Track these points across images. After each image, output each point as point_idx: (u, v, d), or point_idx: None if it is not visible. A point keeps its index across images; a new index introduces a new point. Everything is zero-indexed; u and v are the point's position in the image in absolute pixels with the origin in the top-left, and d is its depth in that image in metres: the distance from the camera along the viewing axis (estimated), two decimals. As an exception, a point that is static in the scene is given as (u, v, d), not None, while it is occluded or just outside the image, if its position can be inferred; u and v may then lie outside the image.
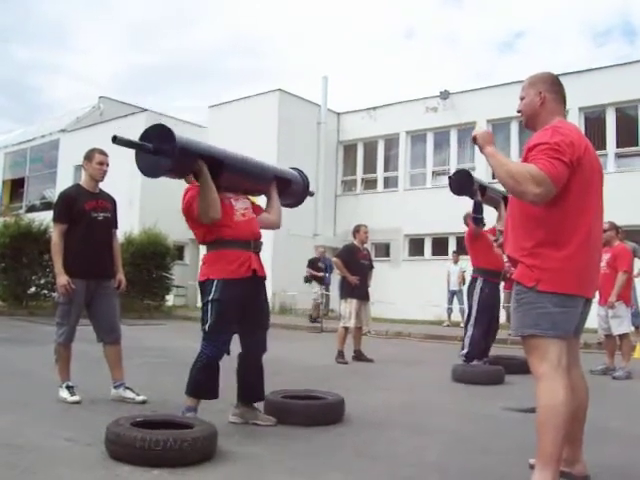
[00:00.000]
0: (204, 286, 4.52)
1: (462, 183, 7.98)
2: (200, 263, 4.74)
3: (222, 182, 4.50)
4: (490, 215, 8.23)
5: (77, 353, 5.60)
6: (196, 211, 4.43)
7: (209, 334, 4.45)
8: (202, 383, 4.46)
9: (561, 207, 3.07)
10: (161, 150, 4.11)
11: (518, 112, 3.47)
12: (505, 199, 8.32)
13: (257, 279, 4.64)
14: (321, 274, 17.15)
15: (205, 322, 4.46)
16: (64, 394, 5.26)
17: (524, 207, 3.15)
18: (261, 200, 5.11)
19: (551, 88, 3.34)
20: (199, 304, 4.72)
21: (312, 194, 5.75)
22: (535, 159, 3.02)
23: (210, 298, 4.43)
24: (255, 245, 4.64)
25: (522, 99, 3.42)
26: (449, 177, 8.30)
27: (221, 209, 4.45)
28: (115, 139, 4.00)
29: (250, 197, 4.96)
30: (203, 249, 4.74)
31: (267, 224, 4.95)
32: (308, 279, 17.27)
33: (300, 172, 5.48)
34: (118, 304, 5.62)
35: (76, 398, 5.22)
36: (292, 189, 5.32)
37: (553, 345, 3.07)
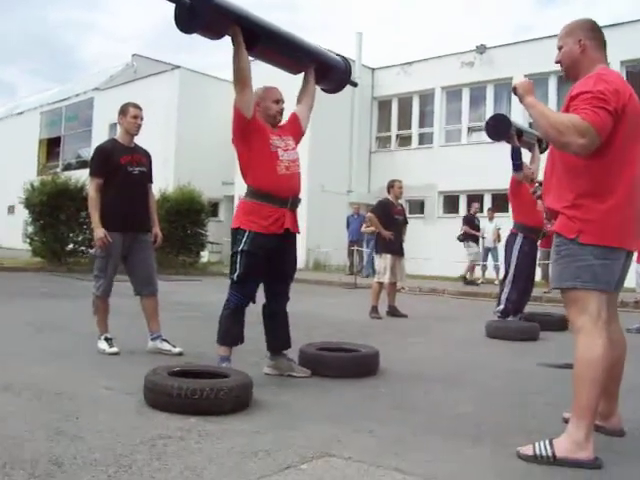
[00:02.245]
0: (236, 234, 4.55)
1: (500, 127, 7.83)
2: (235, 212, 4.76)
3: (258, 52, 4.54)
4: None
5: (114, 308, 5.69)
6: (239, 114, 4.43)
7: (236, 283, 4.53)
8: (229, 330, 4.55)
9: (604, 157, 2.98)
10: (197, 5, 4.09)
11: (557, 63, 3.36)
12: (539, 140, 8.17)
13: (289, 235, 4.64)
14: (478, 233, 16.79)
15: (233, 271, 4.53)
16: (103, 345, 5.37)
17: (566, 157, 3.07)
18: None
19: (590, 35, 3.21)
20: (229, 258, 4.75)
21: (355, 84, 5.66)
22: (578, 109, 2.92)
23: (240, 248, 4.47)
24: (292, 202, 4.62)
25: (560, 49, 3.29)
26: (486, 122, 8.13)
27: (267, 157, 4.47)
28: None
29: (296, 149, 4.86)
30: (238, 201, 4.74)
31: (304, 116, 4.99)
32: (463, 237, 16.65)
33: (344, 59, 5.38)
34: (154, 257, 5.68)
35: (114, 349, 5.32)
36: (333, 73, 5.24)
37: (593, 298, 3.01)
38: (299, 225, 4.78)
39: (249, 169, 4.57)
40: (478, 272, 17.75)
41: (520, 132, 7.93)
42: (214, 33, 4.38)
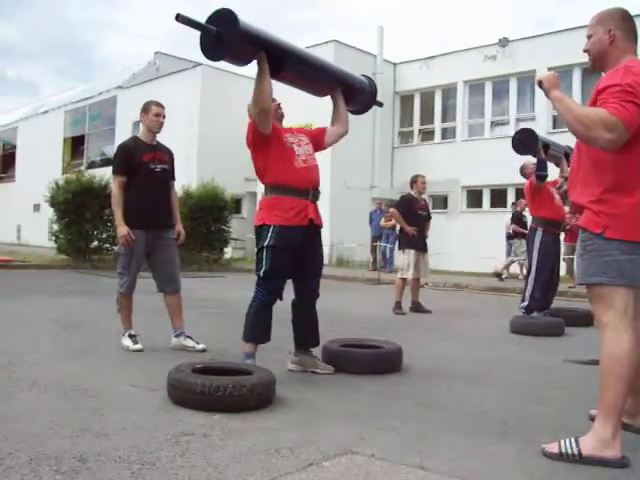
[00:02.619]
0: (260, 231, 4.55)
1: (526, 142, 7.85)
2: (257, 210, 4.76)
3: (284, 77, 4.51)
4: (551, 169, 8.05)
5: (138, 304, 5.72)
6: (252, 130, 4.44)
7: (263, 280, 4.51)
8: (256, 326, 4.54)
9: (632, 151, 2.92)
10: (223, 33, 4.09)
11: (585, 52, 3.29)
12: (566, 155, 8.16)
13: (314, 227, 4.63)
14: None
15: (260, 268, 4.51)
16: (127, 342, 5.40)
17: (592, 152, 3.01)
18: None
19: (621, 25, 3.11)
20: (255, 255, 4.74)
21: (380, 104, 5.66)
22: (606, 102, 2.85)
23: (265, 244, 4.46)
24: (313, 194, 4.62)
25: (589, 38, 3.21)
26: (513, 136, 8.14)
27: (283, 154, 4.47)
28: (178, 17, 3.97)
29: (307, 124, 4.89)
30: (260, 200, 4.75)
31: (335, 135, 4.97)
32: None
33: (369, 79, 5.37)
34: (177, 254, 5.70)
35: (138, 346, 5.35)
36: (359, 95, 5.23)
37: (619, 294, 2.96)
38: (323, 220, 4.77)
39: (266, 170, 4.57)
40: (492, 266, 17.59)
41: (547, 146, 7.94)
42: (241, 60, 4.37)
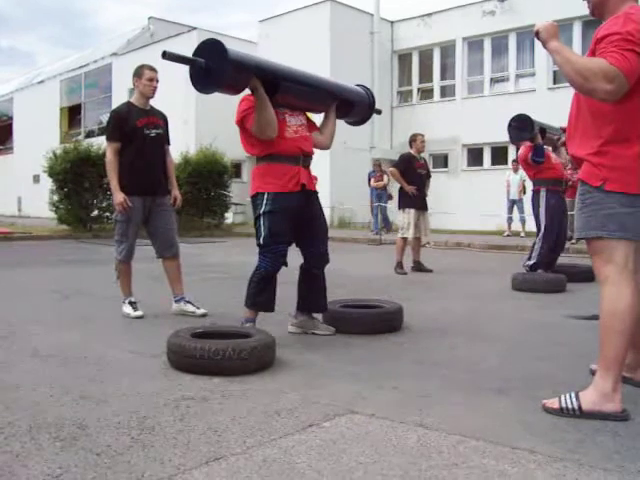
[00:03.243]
0: (255, 200, 4.50)
1: (522, 129, 7.79)
2: (250, 180, 4.71)
3: (278, 100, 4.39)
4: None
5: (137, 271, 5.72)
6: (250, 123, 4.36)
7: (264, 247, 4.45)
8: (259, 295, 4.49)
9: (632, 101, 2.84)
10: (213, 65, 4.01)
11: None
12: (559, 139, 8.13)
13: (308, 193, 4.58)
14: None
15: (259, 236, 4.46)
16: (127, 309, 5.40)
17: (591, 103, 2.93)
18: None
19: None
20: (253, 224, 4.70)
21: (379, 112, 5.59)
22: (605, 52, 2.75)
23: (262, 211, 4.41)
24: (304, 160, 4.55)
25: None
26: (508, 123, 8.04)
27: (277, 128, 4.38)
28: (165, 55, 3.92)
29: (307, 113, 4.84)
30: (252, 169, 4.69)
31: (317, 144, 4.84)
32: None
33: (366, 89, 5.31)
34: (175, 219, 5.66)
35: (139, 313, 5.35)
36: (356, 107, 5.16)
37: (620, 247, 2.91)
38: (323, 182, 4.71)
39: (255, 141, 4.47)
40: (504, 224, 17.59)
41: (543, 130, 7.87)
42: (235, 88, 4.28)
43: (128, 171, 5.31)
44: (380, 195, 17.67)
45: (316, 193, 4.72)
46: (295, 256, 4.67)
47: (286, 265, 4.52)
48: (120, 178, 5.30)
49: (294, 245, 4.67)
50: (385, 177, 17.30)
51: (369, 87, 5.47)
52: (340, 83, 5.19)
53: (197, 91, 4.20)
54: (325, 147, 4.99)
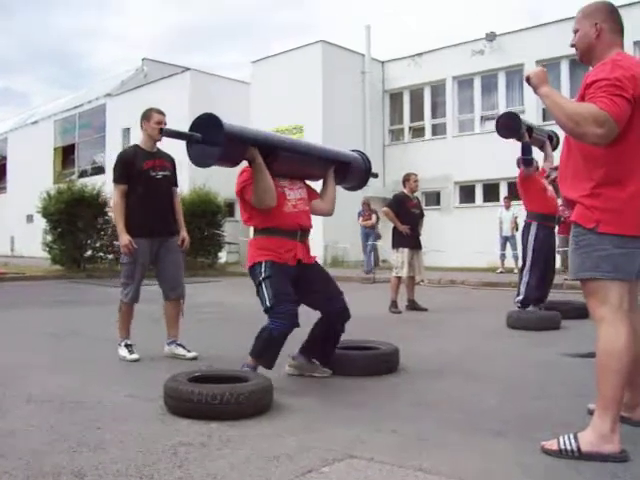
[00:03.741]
0: (253, 270, 4.47)
1: (510, 125, 7.82)
2: (247, 251, 4.68)
3: (275, 169, 4.41)
4: (538, 155, 8.05)
5: (137, 312, 5.67)
6: (249, 195, 4.38)
7: (272, 309, 4.31)
8: (262, 354, 4.38)
9: (622, 144, 2.90)
10: (210, 139, 4.07)
11: (572, 46, 3.27)
12: (550, 138, 8.16)
13: (304, 265, 4.56)
14: None
15: (264, 300, 4.34)
16: (123, 352, 5.37)
17: (582, 146, 2.99)
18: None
19: (608, 18, 3.10)
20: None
21: (375, 176, 5.60)
22: (595, 97, 2.83)
23: (261, 278, 4.36)
24: (302, 234, 4.56)
25: (576, 32, 3.19)
26: (496, 120, 8.11)
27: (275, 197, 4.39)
28: (162, 131, 3.99)
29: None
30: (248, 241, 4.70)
31: (318, 212, 4.85)
32: None
33: (361, 154, 5.36)
34: (182, 261, 5.66)
35: (135, 356, 5.32)
36: (353, 173, 5.18)
37: (614, 288, 2.95)
38: (316, 221, 4.72)
39: (254, 215, 4.51)
40: (497, 261, 17.65)
41: (530, 129, 7.94)
42: (232, 160, 4.34)
43: (135, 213, 5.34)
44: (368, 234, 17.61)
45: (313, 264, 4.69)
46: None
47: (298, 326, 4.37)
48: (127, 220, 5.32)
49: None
50: (374, 216, 17.30)
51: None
52: (335, 149, 5.23)
53: (196, 166, 4.27)
54: (327, 213, 4.96)
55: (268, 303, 4.31)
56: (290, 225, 4.47)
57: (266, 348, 4.36)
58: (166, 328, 5.57)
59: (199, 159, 4.20)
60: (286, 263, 4.42)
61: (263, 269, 4.38)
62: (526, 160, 7.79)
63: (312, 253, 4.75)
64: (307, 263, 4.59)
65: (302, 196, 4.66)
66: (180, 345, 5.50)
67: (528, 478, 2.64)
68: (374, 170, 5.48)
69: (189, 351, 5.44)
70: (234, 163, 4.36)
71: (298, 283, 4.47)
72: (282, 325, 4.28)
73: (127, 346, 5.40)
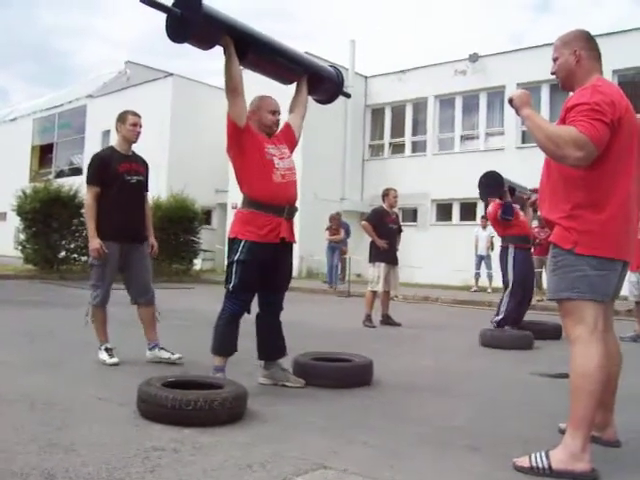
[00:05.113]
0: (232, 244, 4.54)
1: (492, 186, 8.00)
2: (228, 227, 4.75)
3: (250, 62, 4.56)
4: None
5: (108, 316, 5.62)
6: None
7: (232, 293, 4.52)
8: (224, 340, 4.53)
9: (600, 168, 2.97)
10: (188, 16, 4.13)
11: (552, 74, 3.35)
12: (528, 198, 8.40)
13: (285, 244, 4.63)
14: None
15: (229, 281, 4.52)
16: (103, 356, 5.30)
17: (562, 168, 3.05)
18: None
19: (586, 45, 3.19)
20: (225, 268, 4.73)
21: (348, 95, 5.71)
22: (575, 121, 2.90)
23: (236, 258, 4.46)
24: (289, 211, 4.60)
25: (555, 60, 3.28)
26: (479, 181, 8.25)
27: (262, 165, 4.47)
28: None
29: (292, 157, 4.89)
30: (231, 214, 4.74)
31: (300, 118, 5.03)
32: None
33: (336, 69, 5.43)
34: (151, 266, 5.64)
35: (115, 360, 5.25)
36: (325, 84, 5.28)
37: (590, 309, 3.00)
38: (295, 237, 4.78)
39: (244, 178, 4.56)
40: (471, 280, 17.76)
41: (512, 189, 8.11)
42: (205, 43, 4.41)
43: (107, 217, 5.28)
44: (334, 248, 17.17)
45: (292, 245, 4.77)
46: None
47: (249, 312, 4.61)
48: (98, 223, 5.27)
49: None
50: (342, 231, 17.16)
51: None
52: (311, 58, 5.30)
53: (171, 40, 4.28)
54: (304, 113, 5.11)
55: (231, 287, 4.51)
56: (278, 199, 4.51)
57: (225, 336, 4.53)
58: (145, 333, 5.53)
59: (175, 34, 4.24)
60: (268, 243, 4.47)
61: (240, 249, 4.46)
62: (505, 219, 7.99)
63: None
64: (289, 242, 4.65)
65: (290, 166, 4.72)
66: (163, 348, 5.47)
67: (499, 494, 2.66)
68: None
69: (173, 353, 5.42)
70: (208, 45, 4.42)
71: (269, 262, 4.54)
72: (235, 309, 4.53)
73: (107, 350, 5.33)
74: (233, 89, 4.44)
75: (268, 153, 4.54)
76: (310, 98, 5.30)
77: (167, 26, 4.25)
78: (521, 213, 8.34)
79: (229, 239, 4.61)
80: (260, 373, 4.79)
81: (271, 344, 4.80)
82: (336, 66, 5.51)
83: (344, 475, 2.82)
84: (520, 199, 8.38)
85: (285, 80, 5.15)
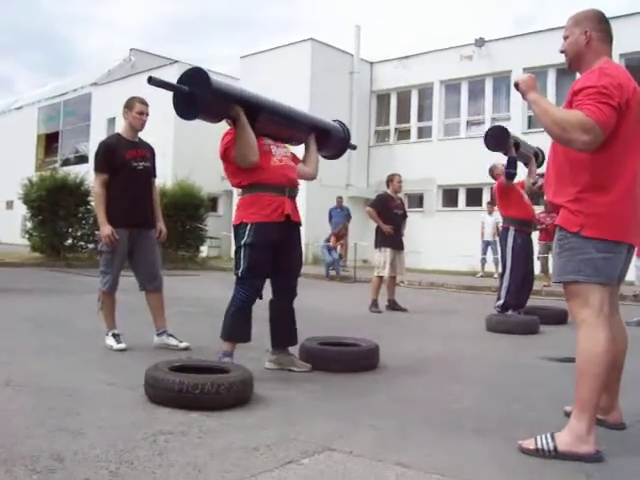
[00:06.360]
0: (238, 229, 4.55)
1: (498, 138, 7.96)
2: (234, 210, 4.76)
3: (258, 128, 4.50)
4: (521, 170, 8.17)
5: (117, 303, 5.64)
6: (233, 154, 4.45)
7: (242, 279, 4.50)
8: (235, 327, 4.52)
9: (607, 151, 2.95)
10: (196, 93, 4.14)
11: (561, 52, 3.32)
12: (536, 155, 8.33)
13: (291, 224, 4.63)
14: None
15: (238, 267, 4.51)
16: (110, 342, 5.33)
17: (568, 151, 3.04)
18: (299, 151, 5.08)
19: (598, 26, 3.15)
20: (233, 255, 4.74)
21: (354, 147, 5.76)
22: (582, 104, 2.88)
23: (243, 242, 4.47)
24: (290, 190, 4.62)
25: (566, 38, 3.24)
26: (485, 133, 8.22)
27: (260, 154, 4.46)
28: (150, 80, 4.02)
29: (288, 146, 4.94)
30: (237, 200, 4.75)
31: (302, 175, 4.93)
32: None
33: (341, 124, 5.45)
34: (159, 252, 5.65)
35: (122, 345, 5.28)
36: (332, 141, 5.29)
37: (596, 292, 3.00)
38: (301, 219, 4.78)
39: (241, 172, 4.56)
40: (477, 266, 17.75)
41: (517, 144, 8.07)
42: (216, 116, 4.45)
43: (115, 203, 5.29)
44: (329, 247, 16.93)
45: (299, 225, 4.77)
46: (268, 289, 4.73)
47: (261, 298, 4.58)
48: (107, 210, 5.28)
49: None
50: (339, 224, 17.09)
51: (347, 125, 5.60)
52: (317, 116, 5.34)
53: (179, 117, 4.32)
54: (311, 176, 5.09)
55: (240, 273, 4.49)
56: (277, 179, 4.53)
57: (236, 322, 4.50)
58: (153, 319, 5.56)
59: (184, 111, 4.25)
60: (273, 222, 4.47)
61: (247, 232, 4.46)
62: (509, 173, 7.93)
63: None
64: (295, 222, 4.66)
65: (287, 154, 4.75)
66: (171, 335, 5.49)
67: (505, 475, 2.68)
68: (358, 168, 5.57)
69: (181, 341, 5.44)
70: (218, 118, 4.47)
71: (278, 244, 4.54)
72: (247, 295, 4.49)
73: (114, 335, 5.36)
74: (253, 163, 4.43)
75: (265, 144, 4.57)
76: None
77: (175, 103, 4.26)
78: (525, 197, 8.29)
79: (234, 226, 4.61)
80: (266, 358, 4.81)
81: (283, 332, 4.80)
82: (341, 121, 5.52)
83: (350, 457, 2.84)
84: (524, 155, 8.32)
85: (294, 142, 5.15)
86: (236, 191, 20.86)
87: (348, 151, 5.69)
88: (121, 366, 4.71)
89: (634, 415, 3.56)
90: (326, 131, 5.19)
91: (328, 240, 16.99)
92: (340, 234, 17.04)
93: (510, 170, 7.91)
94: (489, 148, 8.11)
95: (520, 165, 8.14)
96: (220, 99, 4.28)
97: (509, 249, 8.05)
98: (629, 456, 3.01)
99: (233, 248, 4.69)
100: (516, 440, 3.06)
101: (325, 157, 5.54)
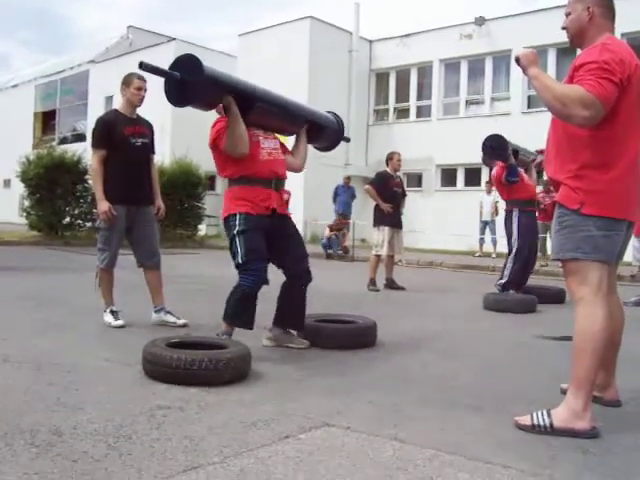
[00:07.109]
0: (228, 221, 4.51)
1: (496, 148, 7.96)
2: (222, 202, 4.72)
3: (250, 119, 4.45)
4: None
5: (115, 280, 5.65)
6: (223, 144, 4.41)
7: (243, 265, 4.42)
8: (239, 312, 4.47)
9: (609, 128, 2.94)
10: (189, 80, 4.08)
11: (563, 29, 3.29)
12: (533, 161, 8.36)
13: (281, 217, 4.61)
14: None
15: (236, 255, 4.44)
16: (108, 318, 5.34)
17: (569, 128, 3.02)
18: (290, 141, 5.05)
19: (600, 2, 3.11)
20: (228, 248, 4.69)
21: (348, 140, 5.72)
22: (582, 79, 2.86)
23: (235, 231, 4.43)
24: (276, 183, 4.59)
25: (568, 15, 3.21)
26: (483, 143, 8.19)
27: (249, 145, 4.42)
28: (142, 65, 3.97)
29: (278, 136, 4.90)
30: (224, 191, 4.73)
31: (290, 167, 4.89)
32: None
33: (336, 116, 5.41)
34: (157, 229, 5.64)
35: (120, 322, 5.29)
36: (326, 133, 5.26)
37: (594, 269, 3.00)
38: (297, 198, 4.76)
39: (229, 164, 4.53)
40: (476, 245, 17.77)
41: (516, 151, 8.07)
42: (208, 104, 4.41)
43: (113, 180, 5.27)
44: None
45: (287, 216, 4.75)
46: (277, 273, 4.72)
47: (267, 283, 4.50)
48: (105, 187, 5.25)
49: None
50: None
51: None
52: (311, 107, 5.30)
53: (170, 104, 4.26)
54: (298, 169, 5.05)
55: (240, 259, 4.42)
56: (265, 173, 4.51)
57: (241, 308, 4.45)
58: (151, 297, 5.56)
59: (175, 98, 4.20)
60: (261, 214, 4.45)
61: (238, 221, 4.43)
62: (510, 182, 7.96)
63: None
64: (281, 214, 4.63)
65: (276, 146, 4.71)
66: (169, 312, 5.50)
67: (502, 451, 2.69)
68: (357, 147, 5.55)
69: (179, 318, 5.44)
70: (209, 106, 4.43)
71: (271, 236, 4.52)
72: (252, 282, 4.40)
73: (112, 312, 5.37)
74: (240, 148, 4.37)
75: (254, 134, 4.51)
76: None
77: (167, 90, 4.19)
78: (525, 176, 8.30)
79: (224, 219, 4.57)
80: (264, 335, 4.82)
81: (291, 314, 4.77)
82: (335, 113, 5.47)
83: (347, 432, 2.85)
84: (523, 162, 8.35)
85: (287, 133, 5.11)
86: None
87: (346, 130, 5.66)
88: (119, 342, 4.72)
89: (630, 392, 3.59)
90: (320, 123, 5.15)
91: (333, 224, 16.80)
92: (340, 226, 16.85)
93: (511, 179, 7.94)
94: (489, 157, 8.16)
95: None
96: (212, 87, 4.21)
97: (515, 231, 8.07)
98: (625, 432, 3.02)
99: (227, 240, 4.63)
100: (513, 416, 3.08)
101: (319, 149, 5.51)
